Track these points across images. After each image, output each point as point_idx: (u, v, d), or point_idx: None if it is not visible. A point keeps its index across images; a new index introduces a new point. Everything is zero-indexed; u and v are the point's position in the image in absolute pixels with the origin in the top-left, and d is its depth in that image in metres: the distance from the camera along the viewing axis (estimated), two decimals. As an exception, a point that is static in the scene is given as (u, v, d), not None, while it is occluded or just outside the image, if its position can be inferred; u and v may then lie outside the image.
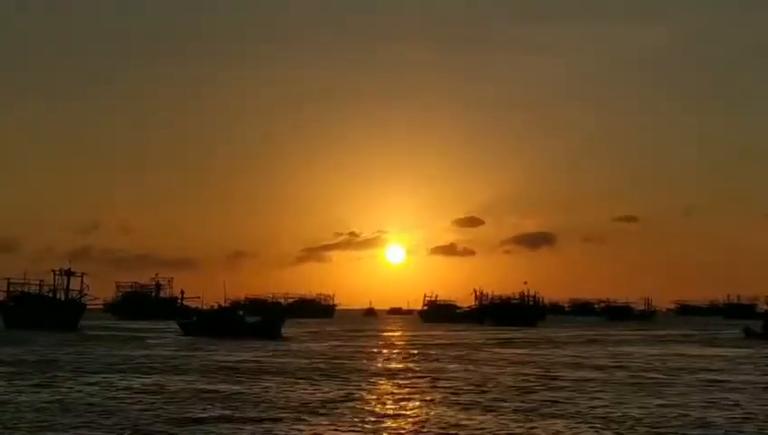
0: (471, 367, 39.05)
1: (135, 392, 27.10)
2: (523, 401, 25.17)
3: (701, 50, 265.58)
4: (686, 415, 22.47)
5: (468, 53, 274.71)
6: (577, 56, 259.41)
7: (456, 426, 20.38)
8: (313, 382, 30.91)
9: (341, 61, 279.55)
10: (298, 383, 30.45)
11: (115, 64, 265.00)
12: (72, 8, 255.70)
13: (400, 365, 40.97)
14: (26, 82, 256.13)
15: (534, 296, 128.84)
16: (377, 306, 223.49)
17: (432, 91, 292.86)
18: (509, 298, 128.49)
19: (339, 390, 28.27)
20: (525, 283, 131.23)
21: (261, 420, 20.94)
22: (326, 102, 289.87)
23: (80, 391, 27.23)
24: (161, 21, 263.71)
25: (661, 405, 24.53)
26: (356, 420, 21.34)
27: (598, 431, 19.75)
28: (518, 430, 19.76)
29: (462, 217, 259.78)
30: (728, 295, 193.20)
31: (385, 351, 54.40)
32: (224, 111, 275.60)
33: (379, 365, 40.90)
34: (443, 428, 20.09)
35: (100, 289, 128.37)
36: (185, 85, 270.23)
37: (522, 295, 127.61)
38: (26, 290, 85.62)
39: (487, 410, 23.24)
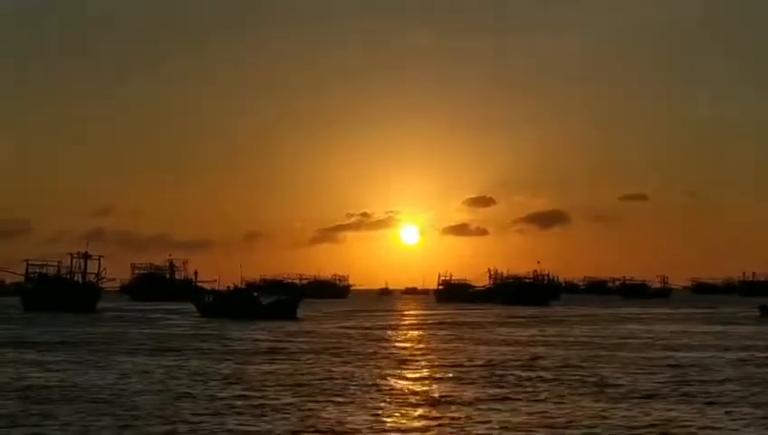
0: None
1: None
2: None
3: (711, 29, 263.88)
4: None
5: (479, 36, 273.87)
6: (586, 36, 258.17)
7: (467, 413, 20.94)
8: (331, 363, 31.51)
9: (355, 44, 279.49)
10: (318, 364, 31.07)
11: (129, 50, 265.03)
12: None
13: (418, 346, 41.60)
14: (40, 68, 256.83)
15: (548, 275, 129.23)
16: (391, 286, 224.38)
17: (440, 72, 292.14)
18: (522, 277, 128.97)
19: (361, 371, 28.89)
20: (538, 262, 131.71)
21: (283, 402, 21.55)
22: (338, 86, 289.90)
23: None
24: (172, 4, 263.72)
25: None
26: (374, 401, 21.91)
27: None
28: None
29: (473, 196, 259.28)
30: (743, 273, 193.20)
31: (403, 332, 55.11)
32: (237, 94, 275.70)
33: (399, 346, 41.53)
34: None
35: (114, 271, 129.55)
36: (198, 67, 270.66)
37: (535, 275, 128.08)
38: (44, 272, 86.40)
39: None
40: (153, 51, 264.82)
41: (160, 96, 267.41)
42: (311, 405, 20.78)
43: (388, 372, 28.64)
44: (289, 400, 21.75)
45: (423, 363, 31.86)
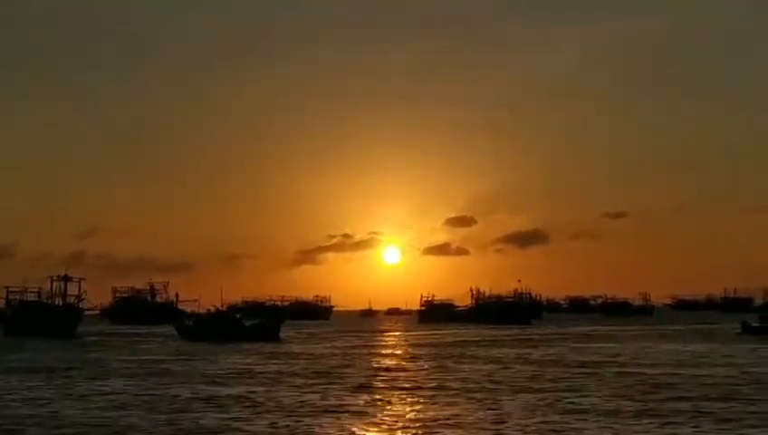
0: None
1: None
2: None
3: (691, 46, 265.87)
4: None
5: (457, 53, 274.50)
6: (566, 52, 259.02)
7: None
8: (312, 385, 31.43)
9: (332, 62, 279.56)
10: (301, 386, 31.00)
11: (112, 67, 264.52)
12: (70, 10, 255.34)
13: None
14: (21, 86, 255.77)
15: (529, 294, 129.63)
16: (374, 307, 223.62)
17: (419, 91, 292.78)
18: (502, 297, 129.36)
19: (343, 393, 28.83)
20: (519, 281, 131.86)
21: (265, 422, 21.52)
22: (317, 105, 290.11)
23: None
24: (156, 22, 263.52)
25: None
26: (360, 422, 21.89)
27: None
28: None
29: (453, 216, 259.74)
30: (724, 289, 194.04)
31: (386, 351, 55.05)
32: (217, 114, 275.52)
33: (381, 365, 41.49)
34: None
35: (96, 294, 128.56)
36: (179, 88, 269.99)
37: (515, 294, 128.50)
38: (25, 297, 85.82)
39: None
40: (135, 72, 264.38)
41: (142, 117, 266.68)
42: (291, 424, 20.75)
43: (373, 394, 28.63)
44: (265, 421, 21.73)
45: (406, 385, 31.85)
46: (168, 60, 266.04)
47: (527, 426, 20.73)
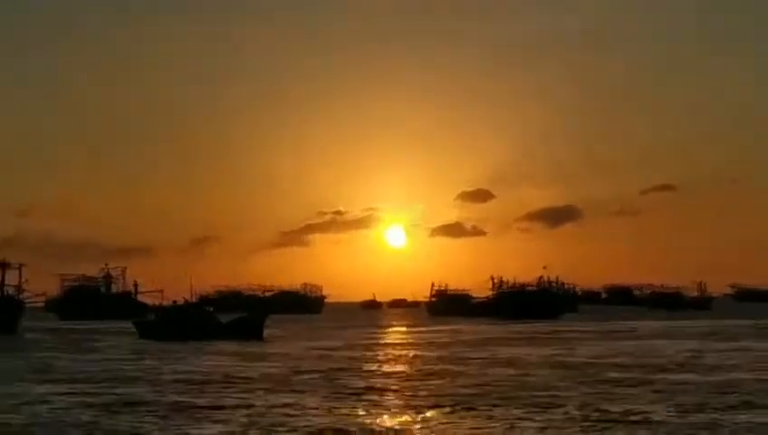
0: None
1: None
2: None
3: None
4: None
5: (472, 6, 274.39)
6: (606, 3, 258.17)
7: None
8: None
9: (326, 18, 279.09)
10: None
11: (60, 34, 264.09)
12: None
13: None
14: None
15: (556, 282, 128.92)
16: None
17: (429, 45, 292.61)
18: (524, 286, 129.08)
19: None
20: (545, 267, 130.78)
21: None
22: (304, 65, 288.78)
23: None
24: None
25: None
26: None
27: None
28: None
29: (468, 189, 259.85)
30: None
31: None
32: (183, 76, 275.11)
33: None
34: None
35: (38, 283, 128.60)
36: (137, 54, 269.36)
37: (540, 283, 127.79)
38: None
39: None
40: (86, 32, 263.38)
41: (94, 83, 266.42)
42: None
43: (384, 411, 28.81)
44: None
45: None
46: (126, 17, 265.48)
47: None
